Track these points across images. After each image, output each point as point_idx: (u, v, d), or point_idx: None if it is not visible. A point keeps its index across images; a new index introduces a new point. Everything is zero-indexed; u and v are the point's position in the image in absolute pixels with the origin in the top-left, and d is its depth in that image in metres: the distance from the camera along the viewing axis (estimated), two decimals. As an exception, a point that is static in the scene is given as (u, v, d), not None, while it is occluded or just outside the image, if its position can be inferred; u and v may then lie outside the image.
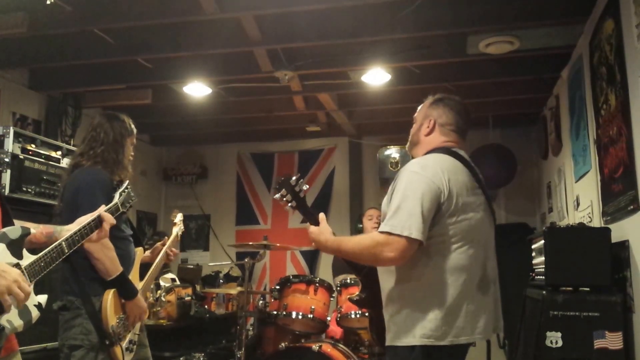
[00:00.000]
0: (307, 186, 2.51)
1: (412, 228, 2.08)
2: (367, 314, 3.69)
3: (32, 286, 1.78)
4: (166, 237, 3.21)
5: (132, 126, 2.90)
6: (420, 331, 2.12)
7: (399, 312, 2.20)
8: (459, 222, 2.18)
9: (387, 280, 2.29)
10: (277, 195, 2.46)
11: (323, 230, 2.40)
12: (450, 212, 2.16)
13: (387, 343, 2.24)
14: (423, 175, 2.17)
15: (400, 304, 2.20)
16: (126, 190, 2.41)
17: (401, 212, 2.11)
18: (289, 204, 2.47)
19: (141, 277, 2.85)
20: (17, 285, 1.66)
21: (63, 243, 1.91)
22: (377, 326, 2.58)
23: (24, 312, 1.77)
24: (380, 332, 2.42)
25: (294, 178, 2.46)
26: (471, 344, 2.20)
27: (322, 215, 2.44)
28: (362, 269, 2.64)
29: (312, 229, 2.44)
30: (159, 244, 3.13)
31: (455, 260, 2.16)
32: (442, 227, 2.16)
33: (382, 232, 2.13)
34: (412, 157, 2.43)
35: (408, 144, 2.49)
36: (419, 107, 2.49)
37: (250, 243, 4.47)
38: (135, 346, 2.69)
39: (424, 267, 2.16)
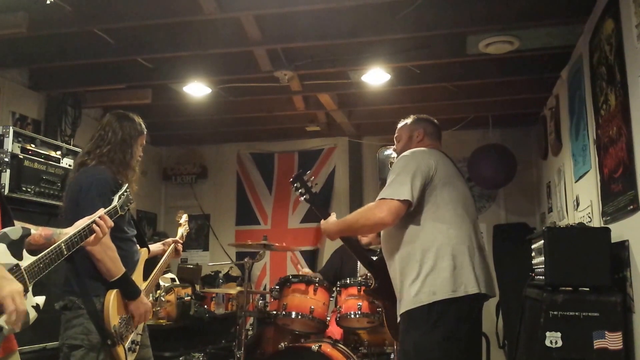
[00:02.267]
0: (317, 183, 2.99)
1: (402, 192, 2.48)
2: (369, 314, 3.73)
3: (31, 286, 1.78)
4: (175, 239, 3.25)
5: (143, 126, 2.90)
6: (437, 288, 2.45)
7: (414, 279, 2.51)
8: (448, 193, 2.58)
9: (396, 255, 2.62)
10: (293, 187, 2.91)
11: (329, 220, 2.84)
12: (442, 182, 2.57)
13: (405, 309, 2.54)
14: (413, 157, 2.64)
15: (415, 272, 2.52)
16: (125, 193, 2.41)
17: (393, 184, 2.52)
18: (303, 197, 2.92)
19: (145, 277, 2.85)
20: (9, 300, 1.65)
21: (62, 245, 1.91)
22: (391, 316, 2.72)
23: None
24: (395, 322, 2.72)
25: (308, 173, 2.94)
26: (482, 298, 2.55)
27: (332, 214, 2.89)
28: (369, 259, 3.02)
29: (322, 222, 2.86)
30: (170, 239, 3.18)
31: (456, 224, 2.55)
32: (435, 197, 2.55)
33: (377, 201, 2.54)
34: None
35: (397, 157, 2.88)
36: (399, 127, 2.97)
37: (249, 242, 4.47)
38: (137, 346, 2.69)
39: (424, 234, 2.53)
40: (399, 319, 2.64)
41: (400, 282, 2.60)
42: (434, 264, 2.49)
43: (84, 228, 2.04)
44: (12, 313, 1.62)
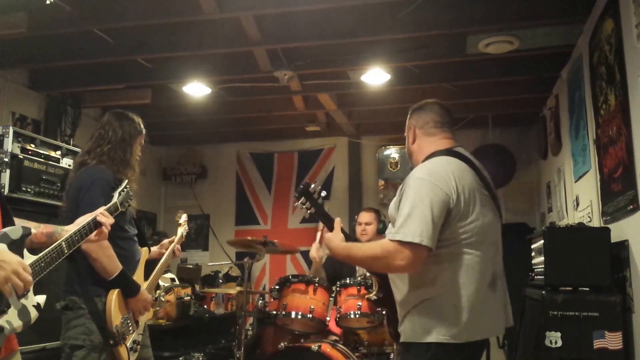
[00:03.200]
0: (325, 192, 2.63)
1: (422, 235, 2.12)
2: (368, 314, 3.73)
3: (32, 285, 1.78)
4: (173, 237, 3.23)
5: (142, 126, 2.90)
6: (438, 330, 2.17)
7: (415, 313, 2.25)
8: (469, 225, 2.22)
9: (401, 283, 2.34)
10: (297, 203, 2.57)
11: (334, 237, 2.46)
12: (460, 216, 2.20)
13: (403, 340, 2.30)
14: (431, 181, 2.21)
15: (417, 305, 2.25)
16: (125, 190, 2.41)
17: (411, 220, 2.15)
18: (308, 211, 2.57)
19: (146, 277, 2.84)
20: (16, 276, 1.67)
21: (63, 243, 1.91)
22: (394, 324, 2.63)
23: (23, 312, 1.77)
24: (396, 326, 2.48)
25: (312, 186, 2.57)
26: (485, 341, 2.28)
27: (337, 221, 2.52)
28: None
29: (327, 234, 2.50)
30: (166, 241, 3.15)
31: (468, 262, 2.21)
32: (454, 231, 2.20)
33: (392, 241, 2.16)
34: (414, 166, 2.45)
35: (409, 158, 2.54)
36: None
37: (249, 238, 4.46)
38: (138, 346, 2.68)
39: (438, 271, 2.21)
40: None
41: (401, 302, 2.38)
42: (441, 306, 2.21)
43: (84, 226, 2.04)
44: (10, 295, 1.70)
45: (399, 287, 2.36)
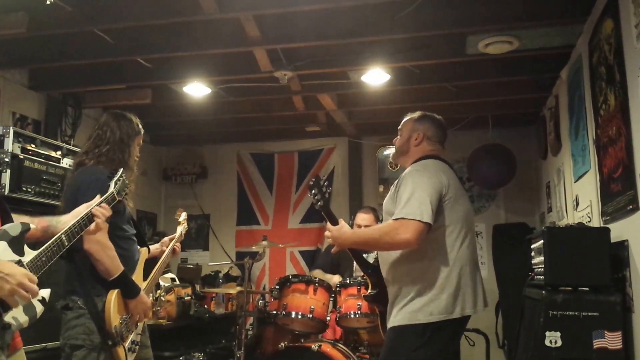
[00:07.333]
0: (331, 188, 2.84)
1: (423, 213, 2.42)
2: (368, 314, 3.73)
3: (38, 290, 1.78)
4: (173, 235, 3.22)
5: (140, 126, 2.89)
6: (436, 309, 2.47)
7: (413, 295, 2.51)
8: (457, 212, 2.57)
9: (398, 268, 2.60)
10: (310, 193, 2.88)
11: (342, 227, 2.72)
12: (451, 204, 2.55)
13: (398, 323, 2.52)
14: (426, 172, 2.58)
15: (414, 288, 2.52)
16: (121, 179, 2.39)
17: (412, 201, 2.45)
18: (318, 203, 2.85)
19: (145, 277, 2.84)
20: (21, 287, 1.66)
21: (63, 236, 1.90)
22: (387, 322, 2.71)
23: (28, 307, 1.78)
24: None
25: (322, 179, 2.90)
26: (469, 316, 2.59)
27: (341, 220, 2.77)
28: (370, 266, 2.97)
29: (331, 227, 2.74)
30: (166, 238, 3.15)
31: (459, 244, 2.55)
32: (445, 216, 2.54)
33: (396, 219, 2.45)
34: (399, 165, 2.82)
35: (395, 153, 2.86)
36: (404, 121, 2.87)
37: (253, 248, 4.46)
38: (137, 346, 2.68)
39: (433, 252, 2.52)
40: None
41: (398, 295, 2.59)
42: (438, 285, 2.50)
43: (83, 217, 2.03)
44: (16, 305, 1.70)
45: (397, 270, 2.59)
